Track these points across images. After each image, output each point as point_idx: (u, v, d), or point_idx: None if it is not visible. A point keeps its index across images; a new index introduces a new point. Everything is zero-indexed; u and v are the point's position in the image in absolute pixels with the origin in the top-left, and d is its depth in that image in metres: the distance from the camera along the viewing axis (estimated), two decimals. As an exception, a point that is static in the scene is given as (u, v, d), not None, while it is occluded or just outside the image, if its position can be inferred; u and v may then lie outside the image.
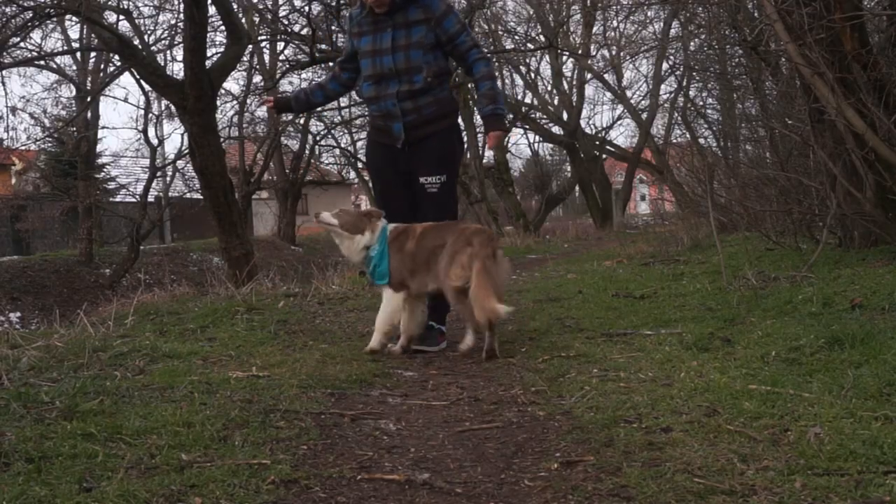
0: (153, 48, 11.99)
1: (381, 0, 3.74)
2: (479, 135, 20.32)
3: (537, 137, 25.74)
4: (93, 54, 15.93)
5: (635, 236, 14.02)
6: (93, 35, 11.52)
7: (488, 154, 21.74)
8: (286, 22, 12.72)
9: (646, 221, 22.29)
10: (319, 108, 18.34)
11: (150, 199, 17.71)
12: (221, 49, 10.18)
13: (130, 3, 10.87)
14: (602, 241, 15.48)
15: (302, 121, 19.45)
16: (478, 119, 19.91)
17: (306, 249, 21.97)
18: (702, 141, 17.00)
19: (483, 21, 17.98)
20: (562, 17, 19.60)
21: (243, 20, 10.90)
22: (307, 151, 21.48)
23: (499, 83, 3.93)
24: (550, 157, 32.74)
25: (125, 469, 1.99)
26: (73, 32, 15.87)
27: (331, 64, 14.55)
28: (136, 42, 10.90)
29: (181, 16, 9.51)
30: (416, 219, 3.94)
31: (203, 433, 2.28)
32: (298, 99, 4.34)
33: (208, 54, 9.17)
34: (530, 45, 19.29)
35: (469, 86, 17.39)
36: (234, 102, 17.68)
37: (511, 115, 22.05)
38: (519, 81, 23.00)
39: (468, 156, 16.84)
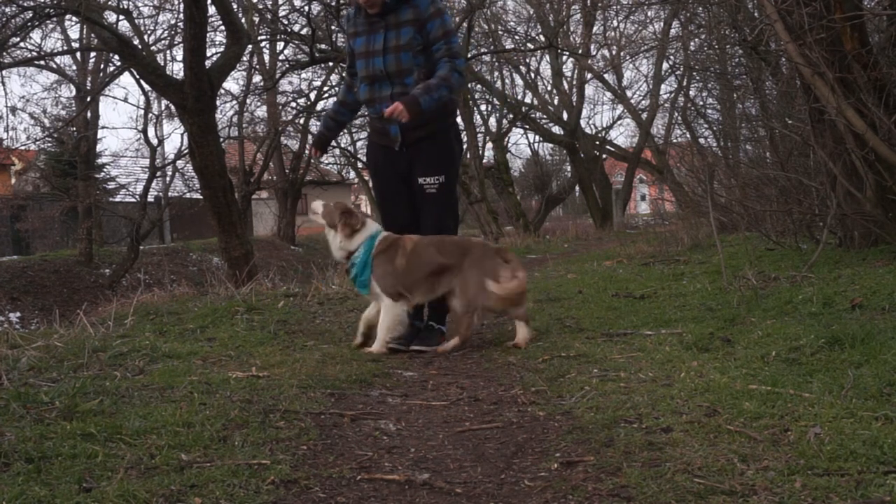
0: (153, 48, 12.01)
1: (372, 1, 3.73)
2: (479, 135, 20.37)
3: (537, 137, 25.76)
4: (93, 54, 15.95)
5: (635, 236, 14.02)
6: (93, 35, 11.53)
7: (488, 154, 21.80)
8: (286, 22, 12.75)
9: (646, 221, 22.32)
10: (320, 108, 18.40)
11: (150, 199, 17.72)
12: (221, 49, 10.18)
13: (130, 3, 10.88)
14: (602, 241, 15.48)
15: (302, 121, 19.46)
16: (477, 119, 19.95)
17: (306, 249, 21.98)
18: (702, 141, 17.02)
19: (483, 21, 17.98)
20: (562, 17, 19.59)
21: (243, 20, 10.90)
22: (307, 151, 21.48)
23: (446, 89, 3.73)
24: (550, 157, 32.75)
25: (125, 469, 1.99)
26: (73, 32, 15.91)
27: (330, 64, 14.61)
28: (136, 42, 10.91)
29: (181, 16, 9.52)
30: (418, 220, 3.95)
31: (203, 433, 2.28)
32: (329, 126, 4.32)
33: (208, 54, 9.18)
34: (530, 45, 19.30)
35: (468, 86, 17.43)
36: (234, 102, 17.71)
37: (510, 115, 22.08)
38: (519, 81, 23.03)
39: (468, 156, 16.84)
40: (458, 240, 3.91)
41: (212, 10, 8.73)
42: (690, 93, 17.43)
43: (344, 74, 4.28)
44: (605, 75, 22.20)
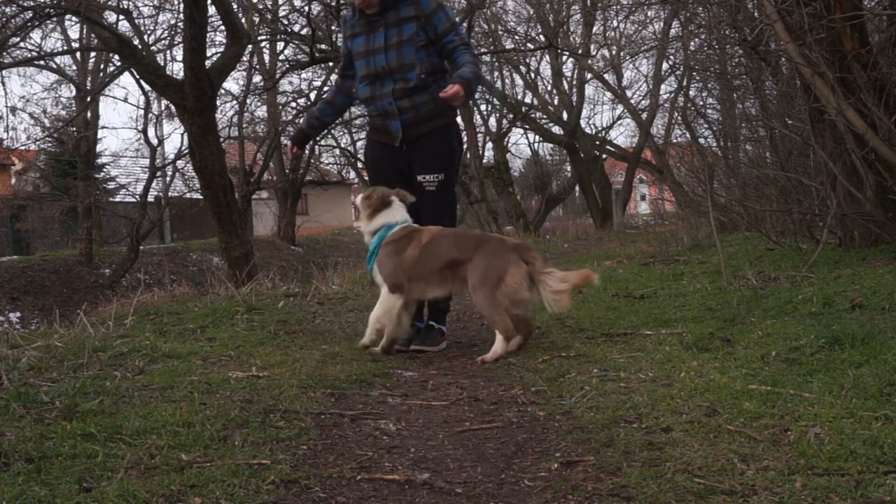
0: (153, 48, 12.01)
1: (369, 1, 3.76)
2: (479, 135, 20.35)
3: (537, 137, 25.77)
4: (93, 54, 15.95)
5: (635, 236, 14.02)
6: (93, 35, 11.53)
7: (488, 154, 21.80)
8: (286, 22, 12.75)
9: (646, 221, 22.29)
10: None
11: (150, 199, 17.71)
12: (221, 49, 10.18)
13: (130, 3, 10.88)
14: (602, 241, 15.47)
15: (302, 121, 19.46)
16: (477, 119, 19.90)
17: (306, 249, 21.98)
18: (702, 141, 17.00)
19: (483, 21, 17.97)
20: (562, 17, 19.59)
21: (243, 20, 10.90)
22: (307, 151, 21.46)
23: (483, 74, 3.90)
24: (550, 157, 32.76)
25: (125, 469, 1.99)
26: (73, 32, 15.93)
27: (330, 64, 14.60)
28: (136, 42, 10.91)
29: (181, 16, 9.53)
30: (418, 217, 3.95)
31: (203, 433, 2.28)
32: (312, 125, 4.36)
33: (208, 54, 9.18)
34: (530, 45, 19.29)
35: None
36: (234, 102, 17.71)
37: (510, 115, 22.09)
38: (519, 81, 23.03)
39: (468, 156, 16.83)
40: (477, 234, 3.80)
41: (212, 10, 8.73)
42: (690, 93, 17.42)
43: (335, 76, 4.30)
44: (605, 75, 22.21)
